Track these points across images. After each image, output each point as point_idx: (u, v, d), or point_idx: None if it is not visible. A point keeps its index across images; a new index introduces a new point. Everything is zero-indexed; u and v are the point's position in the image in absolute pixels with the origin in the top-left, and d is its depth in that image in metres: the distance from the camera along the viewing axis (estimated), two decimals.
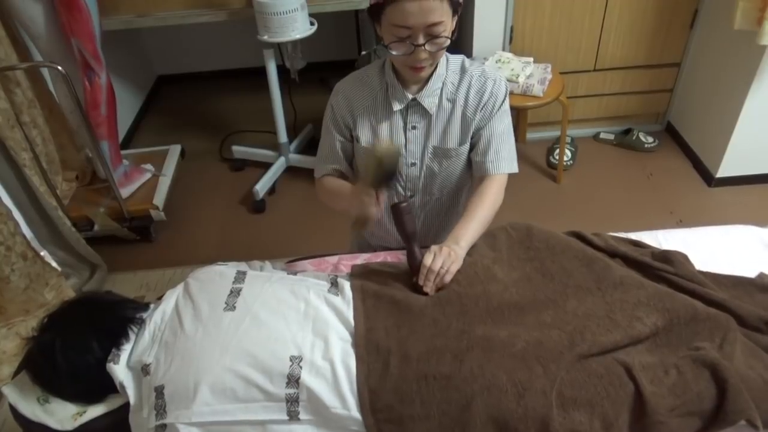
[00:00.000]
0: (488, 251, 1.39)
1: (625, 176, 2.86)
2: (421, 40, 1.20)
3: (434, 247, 1.28)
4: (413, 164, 1.47)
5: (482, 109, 1.40)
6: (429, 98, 1.38)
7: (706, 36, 2.71)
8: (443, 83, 1.39)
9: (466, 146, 1.44)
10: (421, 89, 1.38)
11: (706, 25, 2.70)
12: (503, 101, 1.40)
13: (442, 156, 1.45)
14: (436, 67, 1.36)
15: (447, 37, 1.22)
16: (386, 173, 1.22)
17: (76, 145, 2.65)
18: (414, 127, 1.43)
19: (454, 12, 1.23)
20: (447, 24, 1.21)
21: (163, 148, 2.99)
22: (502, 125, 1.42)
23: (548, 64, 2.59)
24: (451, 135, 1.42)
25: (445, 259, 1.25)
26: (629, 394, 1.09)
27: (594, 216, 2.62)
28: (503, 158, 1.43)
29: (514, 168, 1.46)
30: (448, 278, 1.25)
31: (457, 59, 1.42)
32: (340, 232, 2.61)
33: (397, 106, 1.39)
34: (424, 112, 1.40)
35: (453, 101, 1.40)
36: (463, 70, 1.40)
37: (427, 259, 1.25)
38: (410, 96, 1.38)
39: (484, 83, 1.39)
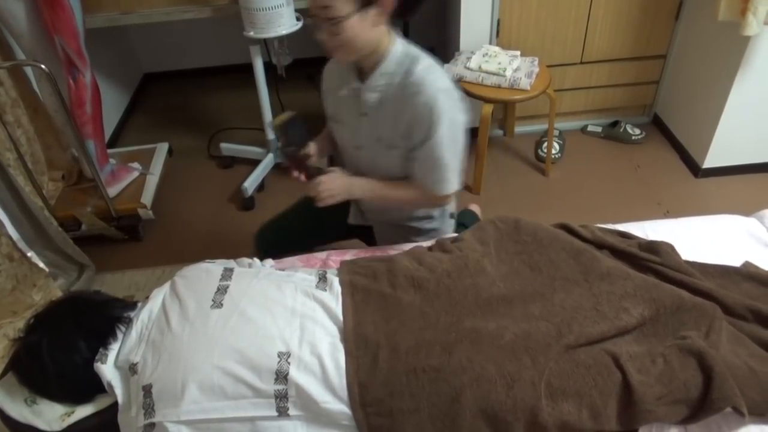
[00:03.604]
0: (477, 245, 1.40)
1: (613, 168, 2.88)
2: (318, 22, 1.27)
3: (334, 175, 1.47)
4: (359, 147, 1.51)
5: (415, 131, 1.37)
6: (370, 92, 1.40)
7: (691, 27, 2.73)
8: (388, 83, 1.37)
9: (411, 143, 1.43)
10: (365, 81, 1.40)
11: (691, 16, 2.71)
12: (437, 128, 1.34)
13: (386, 146, 1.46)
14: (381, 63, 1.35)
15: (338, 21, 1.22)
16: (287, 142, 1.48)
17: (62, 144, 2.62)
18: (365, 114, 1.45)
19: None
20: (338, 8, 1.22)
21: (150, 146, 2.97)
22: (436, 151, 1.38)
23: (535, 58, 2.59)
24: (397, 130, 1.42)
25: (326, 188, 1.44)
26: (617, 384, 1.10)
27: (582, 208, 2.63)
28: (435, 182, 1.44)
29: (450, 188, 1.46)
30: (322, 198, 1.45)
31: (405, 60, 1.36)
32: None
33: (344, 92, 1.45)
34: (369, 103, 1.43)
35: (391, 105, 1.39)
36: (407, 74, 1.35)
37: (320, 182, 1.44)
38: (355, 85, 1.42)
39: (415, 105, 1.33)
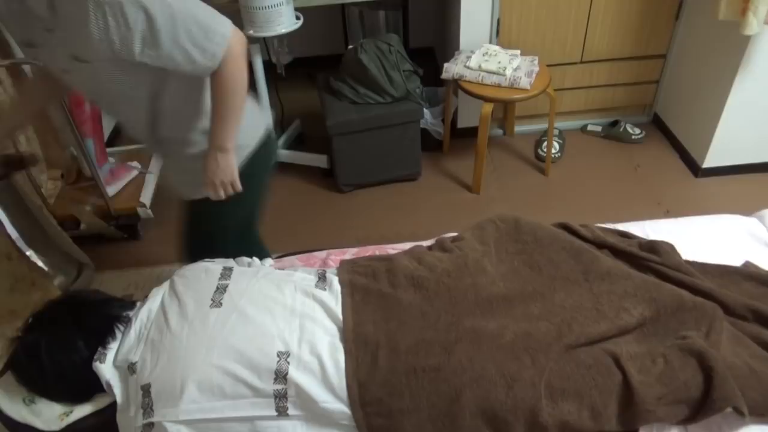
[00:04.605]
0: (477, 244, 1.39)
1: (613, 168, 2.87)
2: None
3: (204, 159, 1.30)
4: (67, 71, 1.17)
5: (118, 27, 1.03)
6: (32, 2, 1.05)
7: (691, 27, 2.72)
8: None
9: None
10: None
11: (691, 16, 2.71)
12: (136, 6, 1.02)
13: (85, 61, 1.11)
14: None
15: None
16: None
17: (61, 143, 2.62)
18: (50, 30, 1.08)
19: None
20: None
21: None
22: (162, 30, 1.06)
23: (535, 57, 2.59)
24: (90, 38, 1.05)
25: (214, 173, 1.30)
26: (617, 384, 1.10)
27: (582, 207, 2.63)
28: (202, 57, 1.13)
29: (219, 46, 1.14)
30: (228, 190, 1.33)
31: None
32: (329, 227, 2.61)
33: (14, 5, 1.09)
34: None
35: (66, 6, 1.03)
36: None
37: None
38: None
39: None
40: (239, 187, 1.35)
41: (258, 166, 1.47)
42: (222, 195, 1.34)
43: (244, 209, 1.58)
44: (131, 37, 1.06)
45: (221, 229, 1.57)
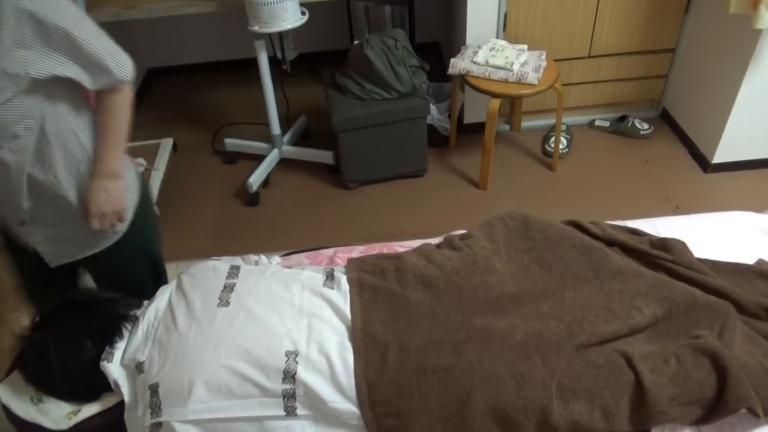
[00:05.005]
0: (486, 242, 1.38)
1: (621, 163, 2.85)
2: None
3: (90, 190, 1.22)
4: None
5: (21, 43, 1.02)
6: None
7: (700, 21, 2.69)
8: None
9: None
10: None
11: (701, 9, 2.68)
12: (41, 15, 1.02)
13: None
14: None
15: None
16: None
17: None
18: None
19: None
20: None
21: (154, 141, 2.96)
22: (74, 39, 1.08)
23: (542, 52, 2.56)
24: None
25: (105, 203, 1.24)
26: (629, 384, 1.09)
27: (590, 204, 2.61)
28: (108, 70, 1.16)
29: (125, 57, 1.18)
30: (114, 221, 1.27)
31: None
32: (335, 223, 2.60)
33: None
34: None
35: None
36: None
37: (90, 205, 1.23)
38: None
39: None
40: (126, 216, 1.32)
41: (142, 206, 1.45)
42: (108, 226, 1.28)
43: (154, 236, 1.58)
44: (49, 51, 1.08)
45: (138, 267, 1.51)
